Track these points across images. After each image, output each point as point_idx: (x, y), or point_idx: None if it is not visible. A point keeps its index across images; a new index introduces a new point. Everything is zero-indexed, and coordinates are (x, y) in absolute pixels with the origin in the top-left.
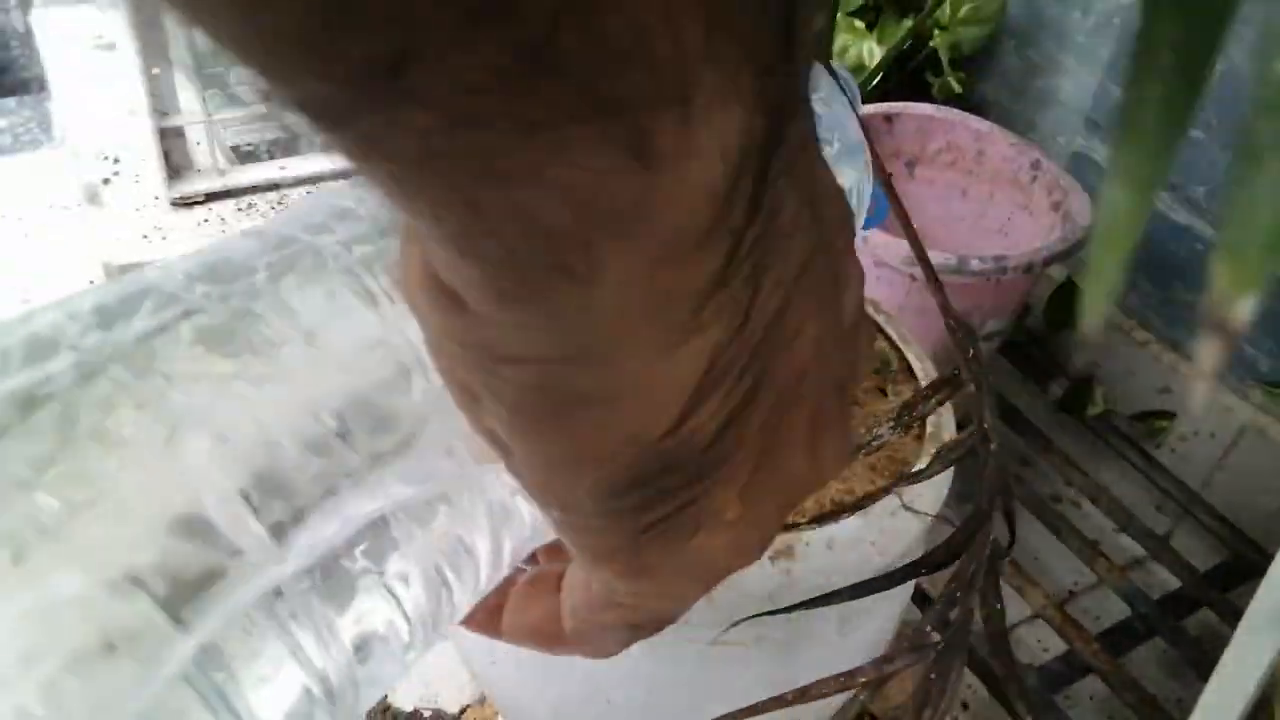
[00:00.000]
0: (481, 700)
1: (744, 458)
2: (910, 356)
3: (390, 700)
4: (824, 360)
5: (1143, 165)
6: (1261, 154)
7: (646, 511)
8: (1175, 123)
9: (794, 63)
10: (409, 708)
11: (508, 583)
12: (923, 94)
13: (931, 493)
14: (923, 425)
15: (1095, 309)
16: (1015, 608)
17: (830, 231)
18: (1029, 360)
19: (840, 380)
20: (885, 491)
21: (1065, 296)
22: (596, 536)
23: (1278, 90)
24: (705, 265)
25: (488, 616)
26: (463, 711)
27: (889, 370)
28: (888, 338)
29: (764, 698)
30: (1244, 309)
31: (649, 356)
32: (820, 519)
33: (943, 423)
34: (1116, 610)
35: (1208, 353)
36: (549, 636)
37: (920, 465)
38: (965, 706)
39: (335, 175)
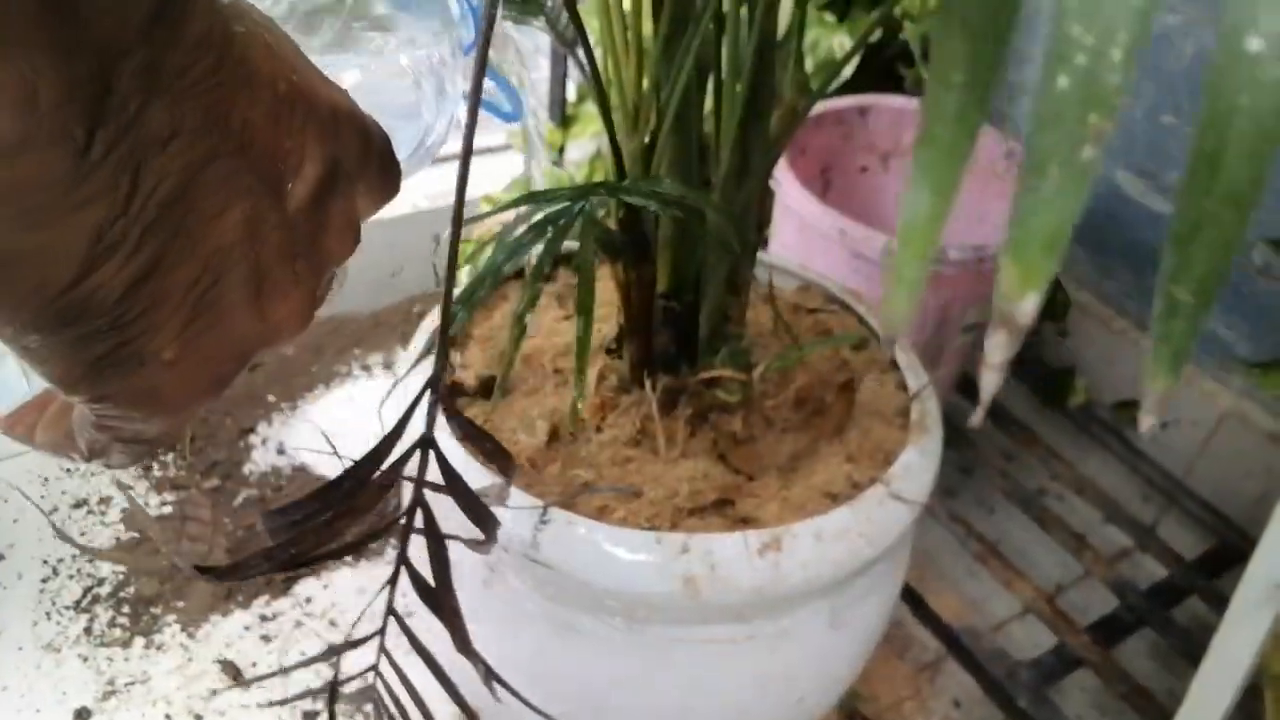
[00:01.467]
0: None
1: (170, 311)
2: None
3: None
4: (259, 236)
5: (941, 171)
6: (1044, 164)
7: (85, 347)
8: (967, 132)
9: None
10: None
11: (43, 402)
12: (896, 86)
13: (920, 480)
14: (907, 416)
15: (900, 307)
16: (1004, 603)
17: (252, 133)
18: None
19: (292, 252)
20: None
21: None
22: (55, 365)
23: (1058, 105)
24: (48, 164)
25: (26, 430)
26: None
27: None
28: (869, 328)
29: (757, 694)
30: (1029, 305)
31: (18, 232)
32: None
33: (927, 411)
34: (1105, 602)
35: (996, 346)
36: (71, 450)
37: (905, 456)
38: (957, 704)
39: None
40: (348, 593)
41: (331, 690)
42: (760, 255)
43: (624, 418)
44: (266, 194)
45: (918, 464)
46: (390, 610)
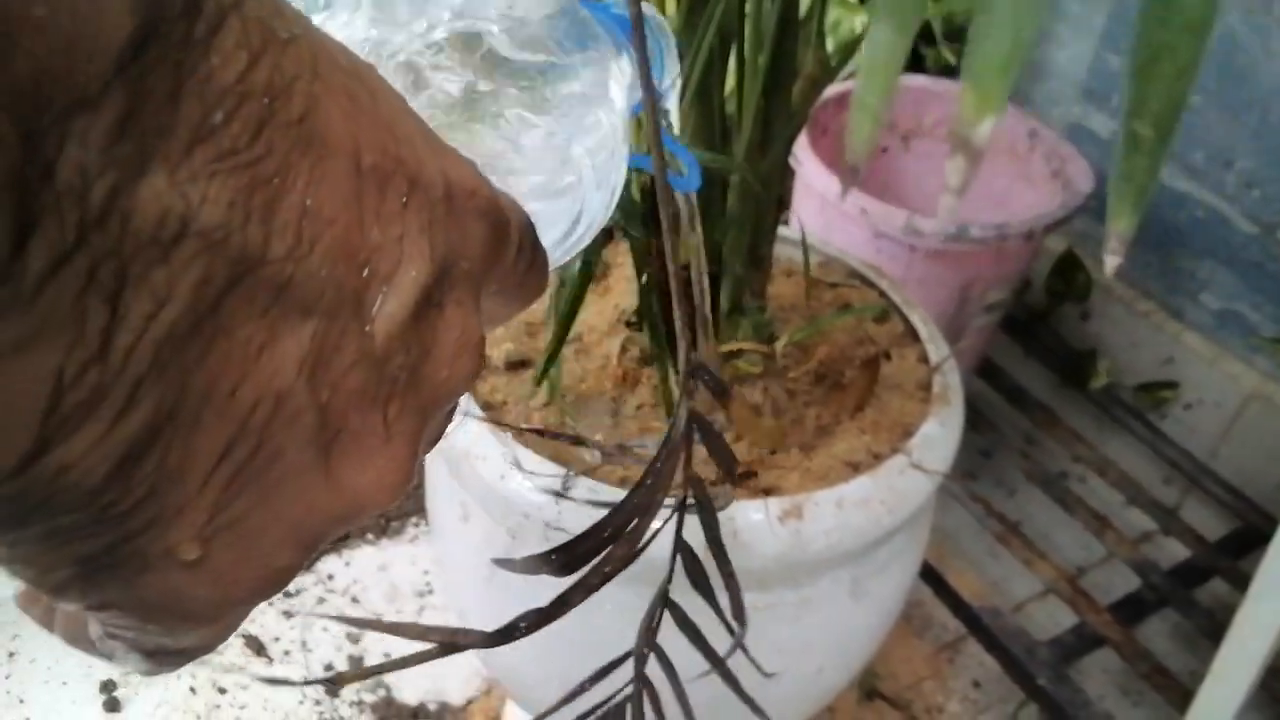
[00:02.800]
0: (488, 691)
1: (189, 494)
2: (915, 320)
3: (394, 695)
4: (328, 376)
5: (902, 9)
6: None
7: (64, 545)
8: None
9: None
10: (414, 702)
11: None
12: (917, 66)
13: (941, 451)
14: (928, 389)
15: (863, 134)
16: (1025, 583)
17: (317, 226)
18: (1031, 336)
19: (380, 394)
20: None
21: (1066, 267)
22: (28, 568)
23: None
24: None
25: (44, 613)
26: (468, 704)
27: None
28: (891, 301)
29: (776, 663)
30: (985, 129)
31: None
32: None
33: (948, 383)
34: (1127, 584)
35: (954, 171)
36: (91, 651)
37: (926, 426)
38: (976, 684)
39: None
40: (369, 569)
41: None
42: (781, 230)
43: (646, 389)
44: (340, 313)
45: (939, 435)
46: (665, 599)
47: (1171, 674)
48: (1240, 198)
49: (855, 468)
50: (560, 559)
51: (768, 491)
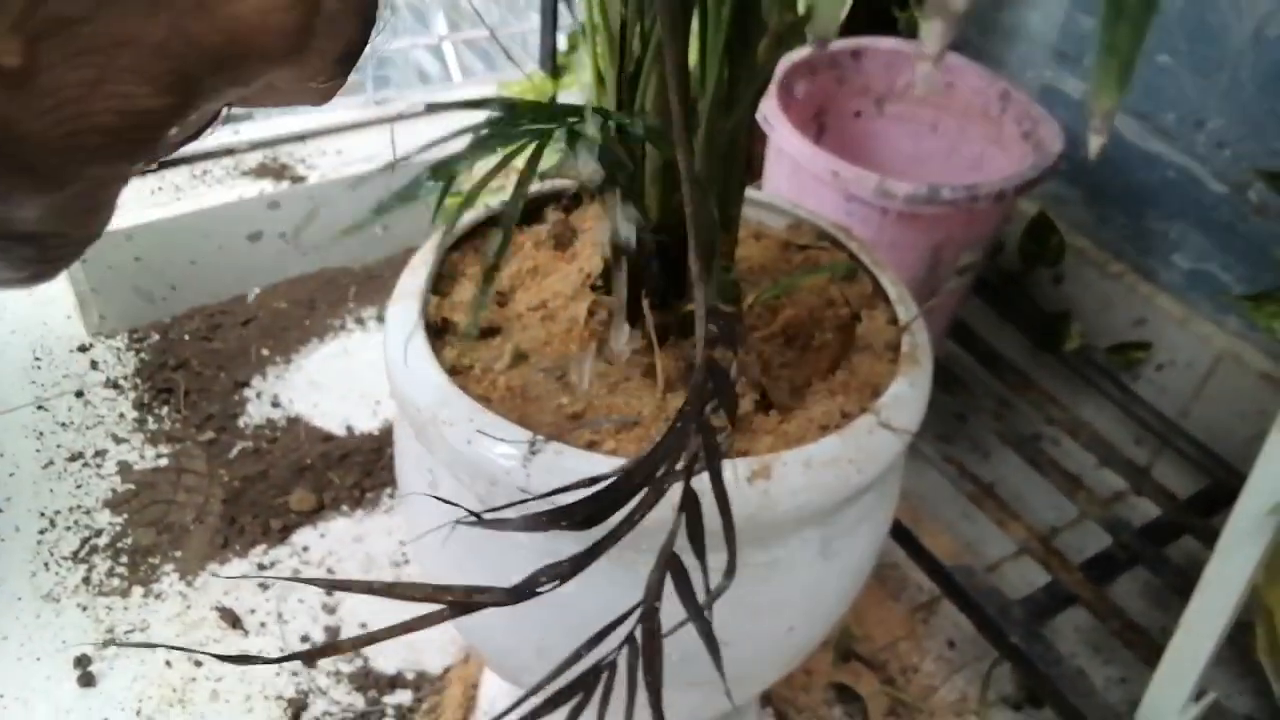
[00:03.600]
0: (465, 660)
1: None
2: (884, 280)
3: (372, 665)
4: None
5: None
6: None
7: None
8: None
9: None
10: (391, 671)
11: None
12: (890, 28)
13: (910, 411)
14: (897, 350)
15: (830, 9)
16: (999, 544)
17: None
18: (1004, 300)
19: None
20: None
21: (1039, 230)
22: None
23: None
24: None
25: None
26: (446, 672)
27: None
28: (860, 262)
29: (747, 623)
30: None
31: None
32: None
33: (917, 343)
34: (1099, 543)
35: (930, 34)
36: None
37: (895, 386)
38: (951, 644)
39: (291, 139)
40: (344, 541)
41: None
42: (751, 193)
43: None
44: None
45: (907, 394)
46: (668, 556)
47: (1143, 630)
48: (1211, 158)
49: (824, 429)
50: (584, 510)
51: (741, 454)
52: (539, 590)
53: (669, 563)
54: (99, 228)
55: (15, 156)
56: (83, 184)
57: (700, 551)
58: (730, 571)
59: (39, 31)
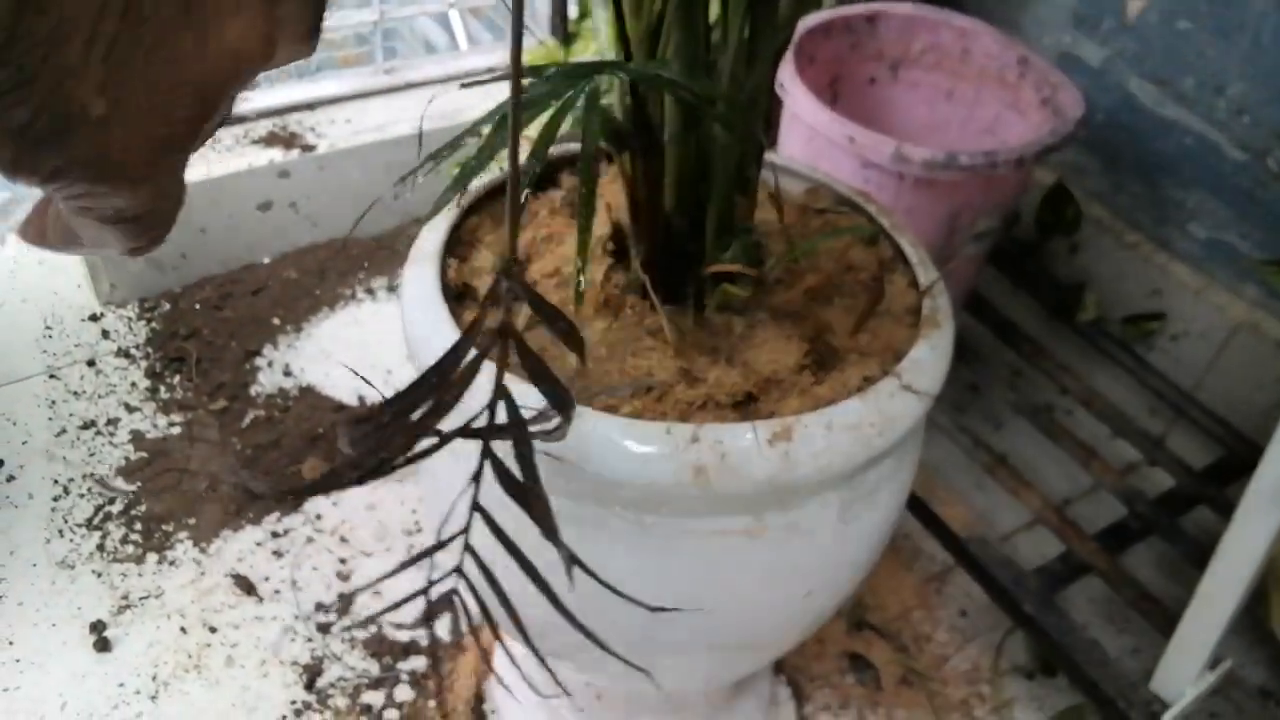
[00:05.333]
0: (480, 626)
1: (80, 47)
2: (904, 244)
3: (385, 631)
4: None
5: None
6: None
7: (2, 117)
8: None
9: None
10: (406, 638)
11: (44, 204)
12: None
13: (931, 373)
14: (918, 315)
15: None
16: (1013, 514)
17: None
18: (1020, 270)
19: None
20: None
21: (1055, 200)
22: None
23: None
24: None
25: (38, 235)
26: (460, 638)
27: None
28: (880, 226)
29: (766, 587)
30: None
31: None
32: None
33: (938, 307)
34: (1113, 513)
35: None
36: (77, 245)
37: (916, 350)
38: (964, 613)
39: (300, 107)
40: (357, 509)
41: (426, 595)
42: (768, 156)
43: (633, 313)
44: None
45: (929, 358)
46: (476, 506)
47: (1157, 600)
48: (1230, 124)
49: (848, 393)
50: (373, 461)
51: (772, 416)
52: (387, 469)
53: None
54: (181, 195)
55: (113, 169)
56: (160, 172)
57: (525, 504)
58: (552, 539)
59: (111, 85)
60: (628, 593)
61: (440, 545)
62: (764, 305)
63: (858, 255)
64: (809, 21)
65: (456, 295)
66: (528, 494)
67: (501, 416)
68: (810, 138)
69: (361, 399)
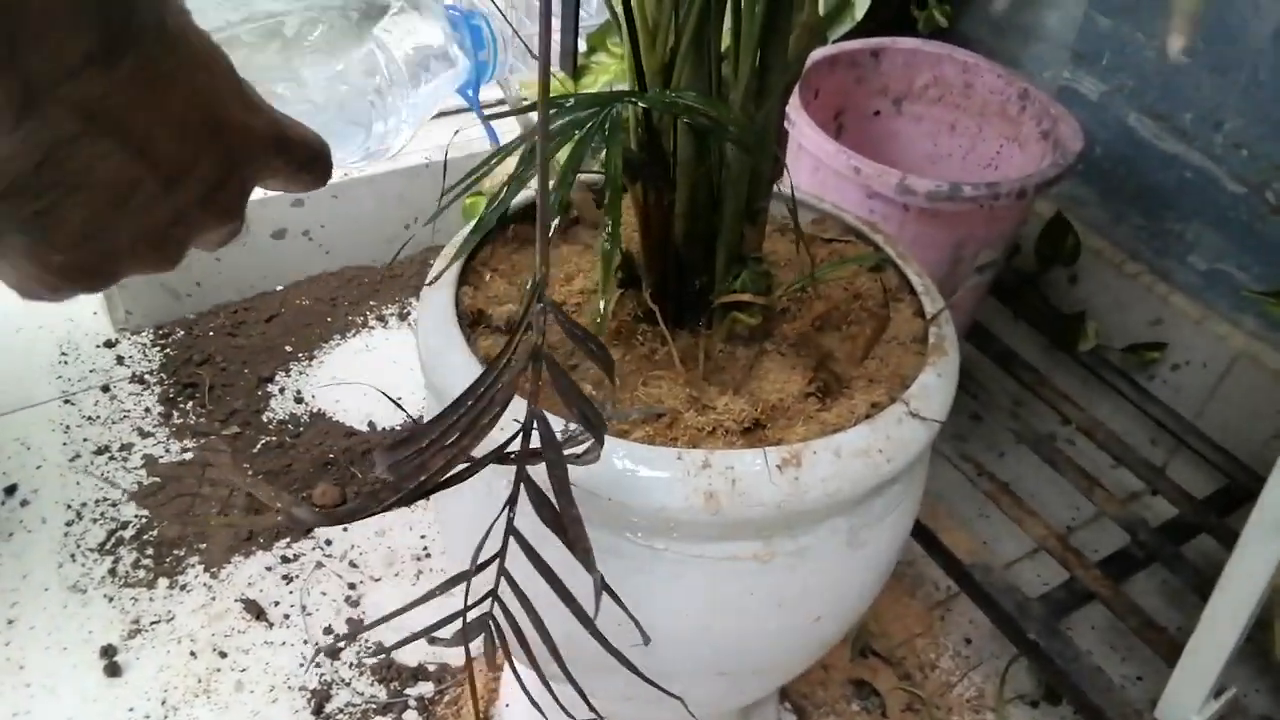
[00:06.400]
0: None
1: (65, 225)
2: (910, 273)
3: (394, 656)
4: (155, 166)
5: None
6: None
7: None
8: None
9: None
10: (414, 663)
11: None
12: (909, 28)
13: (938, 400)
14: (924, 342)
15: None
16: (1016, 542)
17: (155, 145)
18: (1020, 300)
19: (191, 181)
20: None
21: (1055, 231)
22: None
23: None
24: None
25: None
26: (468, 664)
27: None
28: (887, 256)
29: (775, 612)
30: None
31: None
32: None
33: (944, 335)
34: (1116, 542)
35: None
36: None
37: (923, 376)
38: (968, 640)
39: None
40: (367, 534)
41: (463, 618)
42: (779, 187)
43: (643, 343)
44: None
45: (935, 384)
46: (510, 530)
47: (1160, 628)
48: (1228, 158)
49: (855, 420)
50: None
51: (778, 441)
52: (360, 517)
53: (509, 532)
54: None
55: (218, 200)
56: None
57: (561, 530)
58: (588, 565)
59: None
60: (638, 618)
61: (478, 569)
62: (772, 333)
63: (864, 284)
64: (815, 55)
65: (471, 322)
66: (562, 518)
67: (521, 439)
68: (816, 168)
69: (371, 425)
